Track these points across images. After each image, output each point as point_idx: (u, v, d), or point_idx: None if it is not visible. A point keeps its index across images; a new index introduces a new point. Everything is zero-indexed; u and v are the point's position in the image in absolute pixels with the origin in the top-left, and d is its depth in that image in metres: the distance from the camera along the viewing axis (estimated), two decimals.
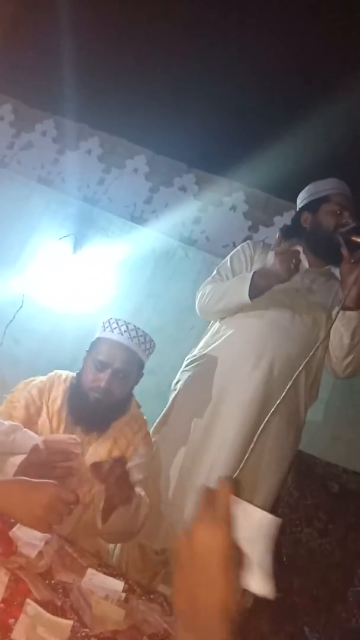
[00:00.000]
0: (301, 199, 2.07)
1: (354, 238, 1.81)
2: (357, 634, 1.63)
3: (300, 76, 2.85)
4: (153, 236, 3.04)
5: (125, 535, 1.42)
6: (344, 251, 1.81)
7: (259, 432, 1.71)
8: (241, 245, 2.10)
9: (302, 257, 1.93)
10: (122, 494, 1.22)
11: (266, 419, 1.73)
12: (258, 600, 1.74)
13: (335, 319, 1.79)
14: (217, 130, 3.05)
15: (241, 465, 1.68)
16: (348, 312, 1.81)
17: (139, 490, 1.41)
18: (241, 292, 1.83)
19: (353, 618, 1.65)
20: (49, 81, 3.20)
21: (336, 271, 1.98)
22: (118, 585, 1.10)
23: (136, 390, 1.69)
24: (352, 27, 2.70)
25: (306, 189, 2.05)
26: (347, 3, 2.67)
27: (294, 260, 1.81)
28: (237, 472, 1.68)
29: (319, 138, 2.73)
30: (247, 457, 1.69)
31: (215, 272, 2.04)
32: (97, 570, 1.13)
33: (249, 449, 1.71)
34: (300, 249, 1.95)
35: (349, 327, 1.84)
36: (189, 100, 3.07)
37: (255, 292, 1.83)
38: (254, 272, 1.86)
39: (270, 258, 1.94)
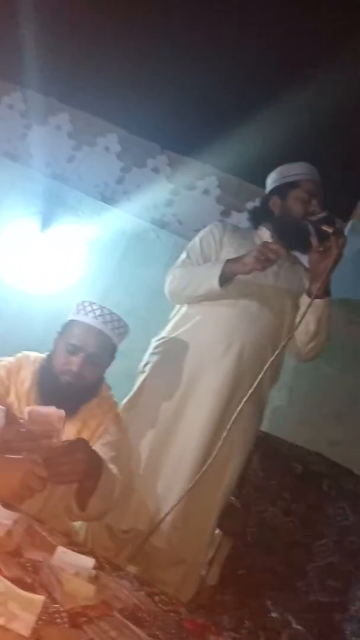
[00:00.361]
0: (271, 180, 2.06)
1: (324, 227, 1.83)
2: (316, 607, 1.71)
3: (275, 61, 2.85)
4: (124, 217, 3.00)
5: (99, 516, 1.44)
6: (314, 240, 1.83)
7: (233, 418, 1.73)
8: (210, 226, 2.05)
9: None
10: (90, 467, 1.25)
11: (239, 407, 1.75)
12: (223, 577, 1.79)
13: (307, 308, 1.81)
14: (191, 112, 3.03)
15: (215, 451, 1.71)
16: (315, 300, 1.85)
17: (112, 468, 1.42)
18: (211, 278, 1.82)
19: (312, 592, 1.73)
20: (17, 52, 3.07)
21: (302, 257, 2.01)
22: (88, 562, 1.10)
23: (106, 373, 1.68)
24: (325, 11, 2.71)
25: (277, 170, 2.05)
26: None
27: (270, 257, 1.75)
28: (211, 458, 1.71)
29: (293, 124, 2.74)
30: (221, 444, 1.71)
31: (184, 254, 2.01)
32: (66, 548, 1.14)
33: (223, 435, 1.73)
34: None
35: (315, 315, 1.88)
36: (163, 81, 3.02)
37: (225, 279, 1.81)
38: (226, 260, 1.85)
39: (242, 242, 1.95)
